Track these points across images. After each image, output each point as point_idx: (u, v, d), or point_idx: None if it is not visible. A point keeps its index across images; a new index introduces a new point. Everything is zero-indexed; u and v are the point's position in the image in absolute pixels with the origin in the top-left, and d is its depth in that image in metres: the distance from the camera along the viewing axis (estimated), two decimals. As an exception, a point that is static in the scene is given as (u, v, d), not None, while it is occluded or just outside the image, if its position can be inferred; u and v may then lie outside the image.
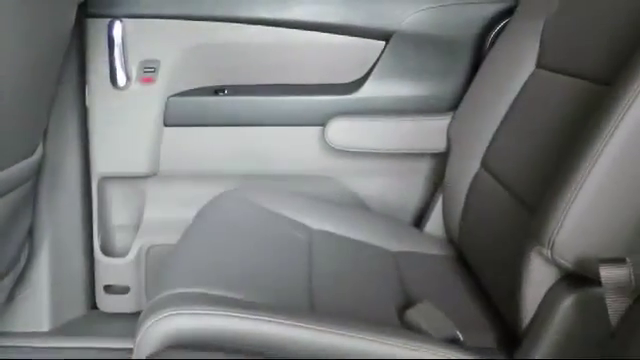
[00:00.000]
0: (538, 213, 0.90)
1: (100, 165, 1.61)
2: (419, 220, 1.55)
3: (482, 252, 1.20)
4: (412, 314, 1.03)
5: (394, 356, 0.91)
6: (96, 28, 1.51)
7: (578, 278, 0.87)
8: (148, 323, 0.91)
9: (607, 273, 0.76)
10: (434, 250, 1.40)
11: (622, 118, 0.82)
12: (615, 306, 0.76)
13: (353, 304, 1.06)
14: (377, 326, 0.96)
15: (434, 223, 1.48)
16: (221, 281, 1.01)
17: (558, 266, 0.88)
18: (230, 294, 0.96)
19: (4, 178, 1.22)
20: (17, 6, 1.00)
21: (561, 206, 0.85)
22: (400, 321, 1.03)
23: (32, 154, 1.35)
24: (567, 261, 0.86)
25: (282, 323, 0.90)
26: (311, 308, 1.01)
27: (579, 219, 0.84)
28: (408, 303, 1.08)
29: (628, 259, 0.75)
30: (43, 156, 1.42)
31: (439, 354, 0.92)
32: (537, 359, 0.88)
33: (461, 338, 0.99)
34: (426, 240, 1.45)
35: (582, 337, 0.86)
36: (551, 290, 0.90)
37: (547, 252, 0.87)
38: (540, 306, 0.91)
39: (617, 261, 0.76)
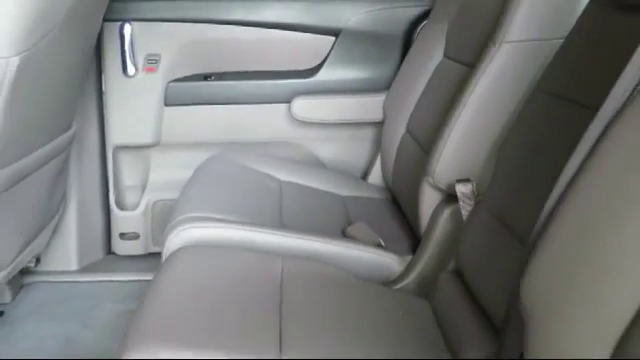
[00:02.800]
0: (428, 154, 1.36)
1: (114, 137, 2.02)
2: (364, 173, 2.00)
3: (404, 191, 1.66)
4: (350, 230, 1.49)
5: (337, 252, 1.36)
6: (110, 29, 1.91)
7: (452, 197, 1.33)
8: (171, 235, 1.35)
9: (460, 189, 1.23)
10: (374, 195, 1.86)
11: (477, 83, 1.27)
12: (466, 208, 1.23)
13: (311, 224, 1.50)
14: (327, 235, 1.41)
15: (375, 175, 1.94)
16: (217, 209, 1.44)
17: (439, 190, 1.35)
18: (224, 216, 1.40)
19: (50, 148, 1.61)
20: (74, 19, 1.40)
21: (440, 146, 1.31)
22: (342, 234, 1.48)
23: (67, 130, 1.75)
24: (443, 185, 1.32)
25: (262, 232, 1.35)
26: (281, 224, 1.46)
27: (451, 155, 1.30)
28: (349, 224, 1.53)
29: (472, 178, 1.22)
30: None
31: (366, 251, 1.38)
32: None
33: (383, 244, 1.45)
34: (368, 187, 1.90)
35: (452, 234, 1.32)
36: (436, 207, 1.37)
37: (431, 180, 1.33)
38: (431, 217, 1.38)
39: (465, 181, 1.22)
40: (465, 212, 1.22)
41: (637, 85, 0.77)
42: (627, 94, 0.77)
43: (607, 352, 0.68)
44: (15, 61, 1.17)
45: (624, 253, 0.68)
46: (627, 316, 0.67)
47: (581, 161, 0.78)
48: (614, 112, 0.77)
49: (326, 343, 0.98)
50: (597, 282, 0.70)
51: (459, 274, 1.19)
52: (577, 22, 1.09)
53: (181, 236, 1.32)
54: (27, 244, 1.63)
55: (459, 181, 1.23)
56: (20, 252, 1.58)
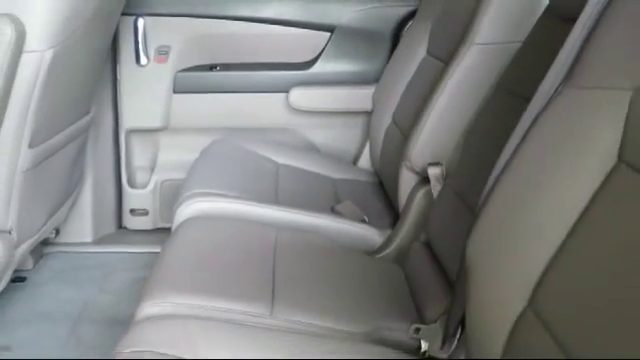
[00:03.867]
0: (407, 140, 1.55)
1: (127, 121, 2.21)
2: (355, 158, 2.19)
3: (387, 174, 1.84)
4: (338, 207, 1.68)
5: (325, 226, 1.55)
6: (125, 23, 2.09)
7: (426, 180, 1.52)
8: (180, 208, 1.54)
9: (431, 171, 1.42)
10: (362, 177, 2.05)
11: (449, 79, 1.44)
12: (436, 188, 1.42)
13: (304, 202, 1.68)
14: (317, 211, 1.60)
15: (364, 160, 2.13)
16: (220, 186, 1.63)
17: (415, 173, 1.54)
18: (226, 192, 1.59)
19: (72, 131, 1.80)
20: (99, 16, 1.58)
21: (416, 134, 1.50)
22: (331, 211, 1.68)
23: (87, 114, 1.93)
24: (418, 169, 1.51)
25: (259, 207, 1.54)
26: (277, 200, 1.66)
27: (425, 142, 1.48)
28: (337, 202, 1.73)
29: (441, 162, 1.41)
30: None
31: (351, 225, 1.57)
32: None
33: (366, 220, 1.64)
34: (358, 171, 2.09)
35: (425, 210, 1.51)
36: (412, 188, 1.56)
37: (408, 164, 1.52)
38: (408, 197, 1.57)
39: (436, 164, 1.41)
40: (435, 192, 1.41)
41: (561, 80, 0.95)
42: (553, 89, 0.96)
43: (525, 298, 0.87)
44: (49, 54, 1.36)
45: (542, 216, 0.87)
46: (540, 267, 0.86)
47: (517, 143, 0.97)
48: (544, 103, 0.96)
49: (311, 297, 1.17)
50: (519, 240, 0.89)
51: (428, 244, 1.39)
52: (532, 29, 1.28)
53: (189, 209, 1.51)
54: (50, 216, 1.82)
55: (431, 164, 1.42)
56: (44, 223, 1.77)
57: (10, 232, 1.51)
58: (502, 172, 0.98)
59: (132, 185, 2.29)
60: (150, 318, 1.02)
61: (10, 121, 1.35)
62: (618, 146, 0.81)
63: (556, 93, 0.95)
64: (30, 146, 1.47)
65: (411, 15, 2.11)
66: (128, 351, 0.93)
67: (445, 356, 1.07)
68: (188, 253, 1.26)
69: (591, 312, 0.75)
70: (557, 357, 0.76)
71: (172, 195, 1.96)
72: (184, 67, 2.18)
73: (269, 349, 0.97)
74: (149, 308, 1.05)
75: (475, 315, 0.97)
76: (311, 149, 2.23)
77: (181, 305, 1.06)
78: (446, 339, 1.09)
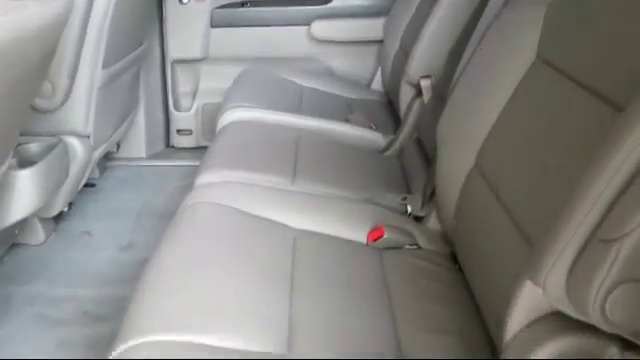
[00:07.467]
0: (407, 58, 1.87)
1: (172, 53, 2.57)
2: (369, 81, 2.53)
3: (392, 91, 2.17)
4: (350, 117, 2.03)
5: (340, 131, 1.90)
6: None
7: (421, 92, 1.85)
8: (223, 116, 1.91)
9: (423, 83, 1.75)
10: (374, 97, 2.38)
11: (440, 5, 1.75)
12: (427, 96, 1.75)
13: (323, 114, 2.03)
14: (333, 119, 1.96)
15: (376, 83, 2.47)
16: (252, 101, 1.99)
17: (412, 86, 1.87)
18: (257, 105, 1.96)
19: (132, 57, 2.17)
20: None
21: (413, 52, 1.82)
22: (345, 121, 2.02)
23: (140, 45, 2.30)
24: (414, 81, 1.84)
25: (286, 115, 1.91)
26: (300, 112, 2.01)
27: (419, 57, 1.81)
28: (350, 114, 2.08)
29: (431, 75, 1.74)
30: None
31: (361, 131, 1.93)
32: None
33: (374, 127, 1.99)
34: (370, 91, 2.44)
35: (420, 116, 1.85)
36: (410, 100, 1.89)
37: (407, 78, 1.85)
38: (407, 107, 1.90)
39: (427, 77, 1.75)
40: (426, 99, 1.75)
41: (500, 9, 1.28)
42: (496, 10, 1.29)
43: (472, 160, 1.22)
44: (116, -9, 1.73)
45: (483, 101, 1.21)
46: (482, 137, 1.20)
47: (471, 52, 1.32)
48: (489, 22, 1.30)
49: (324, 174, 1.54)
50: (469, 119, 1.24)
51: (420, 140, 1.74)
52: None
53: (230, 116, 1.89)
54: (115, 130, 2.22)
55: (423, 77, 1.76)
56: (111, 135, 2.17)
57: (89, 137, 1.90)
58: (461, 73, 1.33)
59: (177, 108, 2.67)
60: (208, 184, 1.41)
61: (89, 42, 1.72)
62: (536, 46, 1.14)
63: (497, 14, 1.29)
64: (103, 67, 1.85)
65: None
66: (192, 202, 1.32)
67: (423, 214, 1.44)
68: (230, 145, 1.65)
69: (513, 166, 1.10)
70: (490, 198, 1.12)
71: (212, 117, 2.31)
72: (220, 4, 2.53)
73: (291, 204, 1.36)
74: (205, 178, 1.44)
75: (441, 178, 1.34)
76: (330, 74, 2.57)
77: (228, 175, 1.44)
78: (424, 202, 1.46)
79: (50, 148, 1.70)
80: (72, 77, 1.73)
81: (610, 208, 0.70)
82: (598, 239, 0.69)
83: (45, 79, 1.59)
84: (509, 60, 1.18)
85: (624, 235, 0.66)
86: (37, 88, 1.38)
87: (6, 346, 1.56)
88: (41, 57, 1.22)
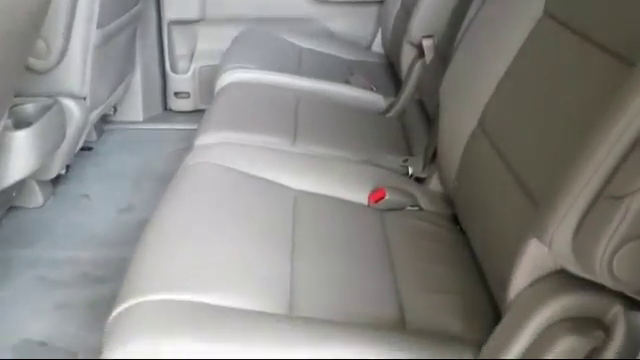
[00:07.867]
0: (409, 17, 1.83)
1: (168, 14, 2.51)
2: (370, 43, 2.49)
3: (393, 52, 2.14)
4: (351, 79, 2.00)
5: (340, 92, 1.88)
6: None
7: (422, 53, 1.82)
8: (222, 76, 1.89)
9: (425, 42, 1.72)
10: (375, 59, 2.35)
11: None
12: (429, 57, 1.72)
13: (322, 75, 2.00)
14: (333, 81, 1.93)
15: (377, 45, 2.43)
16: (251, 62, 1.96)
17: (414, 46, 1.83)
18: (256, 66, 1.92)
19: (128, 16, 2.12)
20: None
21: (415, 10, 1.78)
22: (346, 82, 1.99)
23: (136, 5, 2.25)
24: (415, 41, 1.80)
25: (285, 76, 1.88)
26: (300, 73, 1.98)
27: (421, 17, 1.77)
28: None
29: (433, 35, 1.71)
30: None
31: (362, 93, 1.90)
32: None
33: (374, 89, 1.97)
34: (371, 53, 2.41)
35: (422, 77, 1.82)
36: (412, 60, 1.85)
37: (409, 38, 1.82)
38: (408, 67, 1.87)
39: (429, 36, 1.71)
40: (428, 60, 1.72)
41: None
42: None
43: (476, 120, 1.20)
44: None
45: (488, 61, 1.19)
46: (486, 98, 1.18)
47: (475, 12, 1.29)
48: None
49: (324, 135, 1.53)
50: (473, 80, 1.21)
51: (421, 102, 1.72)
52: None
53: (229, 77, 1.86)
54: (112, 92, 2.18)
55: (425, 37, 1.72)
56: (108, 96, 2.14)
57: (85, 99, 1.87)
58: (465, 32, 1.30)
59: (175, 71, 2.62)
60: (208, 145, 1.39)
61: (83, 3, 1.68)
62: (543, 1, 1.11)
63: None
64: (98, 27, 1.81)
65: None
66: (192, 163, 1.30)
67: (425, 175, 1.43)
68: (230, 106, 1.62)
69: (519, 125, 1.08)
70: (494, 158, 1.10)
71: (210, 79, 2.27)
72: (216, -33, 2.46)
73: (292, 165, 1.34)
74: (205, 139, 1.43)
75: (443, 139, 1.32)
76: (329, 36, 2.52)
77: (228, 136, 1.42)
78: (425, 164, 1.44)
79: (46, 109, 1.68)
80: (67, 36, 1.70)
81: (620, 164, 0.68)
82: (607, 195, 0.68)
83: (39, 38, 1.56)
84: (515, 16, 1.15)
85: (635, 191, 0.64)
86: (30, 46, 1.34)
87: (6, 308, 1.57)
88: (36, 7, 1.18)
